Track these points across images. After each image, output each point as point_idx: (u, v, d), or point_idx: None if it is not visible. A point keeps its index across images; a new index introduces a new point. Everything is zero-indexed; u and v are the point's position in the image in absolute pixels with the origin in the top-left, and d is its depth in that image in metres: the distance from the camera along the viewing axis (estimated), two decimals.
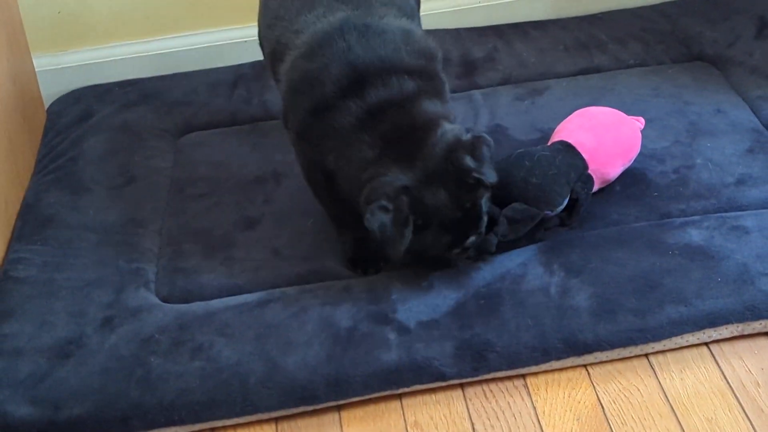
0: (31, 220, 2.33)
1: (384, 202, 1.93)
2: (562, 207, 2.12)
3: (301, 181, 2.20)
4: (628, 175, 2.26)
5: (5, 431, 1.87)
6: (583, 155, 2.16)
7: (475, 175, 1.96)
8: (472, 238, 2.01)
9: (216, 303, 2.07)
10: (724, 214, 2.15)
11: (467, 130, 2.02)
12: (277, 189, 2.36)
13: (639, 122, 2.28)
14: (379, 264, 2.12)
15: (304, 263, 2.15)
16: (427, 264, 2.07)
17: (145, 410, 1.88)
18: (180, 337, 1.99)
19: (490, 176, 1.98)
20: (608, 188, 2.24)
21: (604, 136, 2.20)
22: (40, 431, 1.86)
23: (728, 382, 1.88)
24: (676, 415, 1.83)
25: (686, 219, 2.15)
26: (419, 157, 1.96)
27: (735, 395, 1.86)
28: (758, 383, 1.87)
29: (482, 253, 2.07)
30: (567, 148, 2.16)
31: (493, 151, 2.00)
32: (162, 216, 2.33)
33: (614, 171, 2.21)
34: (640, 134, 2.27)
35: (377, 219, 1.92)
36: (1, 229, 2.26)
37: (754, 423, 1.80)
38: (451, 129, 2.01)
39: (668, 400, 1.86)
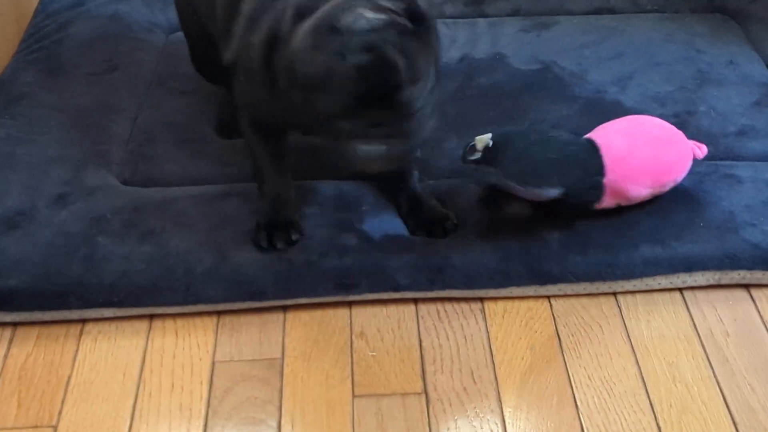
0: (2, 95, 2.25)
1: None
2: (545, 195, 1.87)
3: None
4: (626, 113, 2.12)
5: None
6: (605, 160, 1.85)
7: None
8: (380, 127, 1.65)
9: (175, 190, 1.99)
10: (718, 162, 2.04)
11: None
12: None
13: (700, 150, 1.95)
14: (296, 225, 1.87)
15: None
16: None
17: (84, 288, 1.80)
18: (132, 220, 1.91)
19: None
20: (602, 123, 2.13)
21: (641, 149, 1.88)
22: None
23: (696, 330, 1.78)
24: (635, 355, 1.74)
25: None
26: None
27: (701, 342, 1.76)
28: (728, 333, 1.77)
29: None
30: (589, 144, 1.88)
31: (438, 46, 1.70)
32: (138, 106, 2.24)
33: (637, 191, 1.87)
34: (690, 162, 1.93)
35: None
36: None
37: (716, 371, 1.70)
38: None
39: (630, 340, 1.76)
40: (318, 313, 1.81)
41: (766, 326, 1.78)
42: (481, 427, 1.61)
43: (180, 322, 1.81)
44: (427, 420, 1.63)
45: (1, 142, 2.10)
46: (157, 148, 2.11)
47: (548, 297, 1.84)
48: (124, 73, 2.34)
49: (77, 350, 1.76)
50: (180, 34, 2.49)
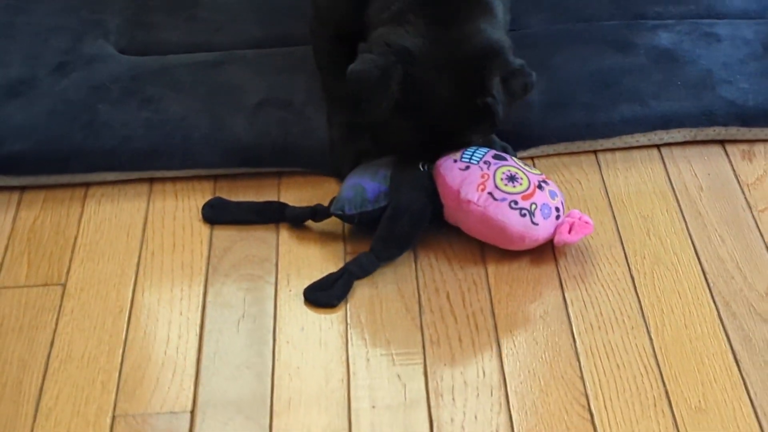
0: None
1: (379, 59, 1.68)
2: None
3: None
4: None
5: None
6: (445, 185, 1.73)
7: (491, 102, 1.68)
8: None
9: (172, 58, 2.05)
10: (698, 20, 2.10)
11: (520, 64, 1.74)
12: None
13: (566, 237, 1.71)
14: (367, 160, 1.82)
15: (266, 27, 2.12)
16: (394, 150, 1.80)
17: (86, 153, 1.89)
18: (131, 88, 1.98)
19: (502, 117, 1.70)
20: None
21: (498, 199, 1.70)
22: None
23: (672, 184, 1.87)
24: (612, 209, 1.82)
25: (660, 22, 2.10)
26: (452, 31, 1.71)
27: (676, 197, 1.84)
28: (701, 187, 1.86)
29: None
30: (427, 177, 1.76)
31: (532, 98, 1.78)
32: None
33: (461, 218, 1.74)
34: (536, 239, 1.72)
35: (361, 70, 1.68)
36: None
37: (689, 224, 1.79)
38: (500, 35, 1.74)
39: (608, 195, 1.85)
40: (312, 177, 1.90)
41: (738, 180, 1.87)
42: (464, 275, 1.71)
43: (179, 185, 1.89)
44: (414, 274, 1.72)
45: (1, 12, 2.16)
46: (151, 16, 2.17)
47: (531, 158, 1.92)
48: None
49: (82, 212, 1.85)
50: None
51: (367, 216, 1.72)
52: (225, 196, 1.87)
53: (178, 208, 1.86)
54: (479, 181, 1.69)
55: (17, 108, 1.95)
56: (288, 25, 2.11)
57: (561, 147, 1.92)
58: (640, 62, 2.00)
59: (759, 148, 1.92)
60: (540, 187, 1.71)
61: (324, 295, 1.68)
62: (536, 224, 1.70)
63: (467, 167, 1.71)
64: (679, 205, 1.83)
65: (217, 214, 1.81)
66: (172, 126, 1.91)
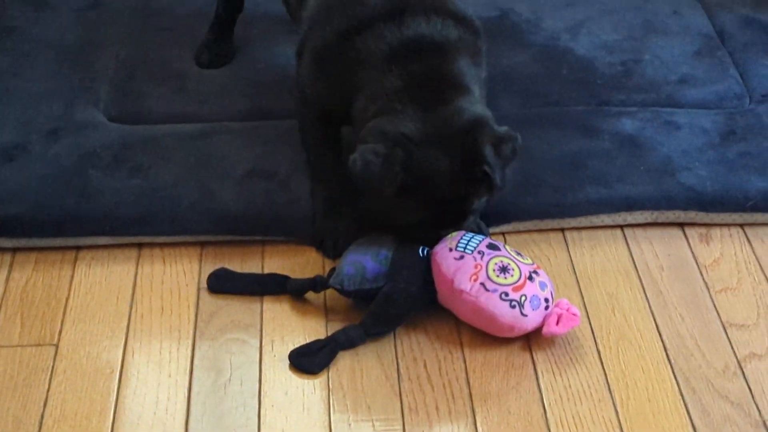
0: None
1: (378, 146, 1.76)
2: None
3: (264, 26, 2.27)
4: (576, 60, 2.34)
5: None
6: (440, 276, 1.82)
7: (487, 169, 1.77)
8: (448, 231, 1.86)
9: (161, 128, 2.14)
10: (660, 109, 2.23)
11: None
12: (242, 33, 2.41)
13: (553, 329, 1.79)
14: (347, 234, 1.92)
15: (251, 100, 2.22)
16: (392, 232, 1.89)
17: (78, 217, 1.96)
18: (121, 155, 2.07)
19: (500, 181, 1.79)
20: (554, 70, 2.31)
21: (490, 291, 1.78)
22: None
23: (634, 264, 1.98)
24: (579, 286, 1.93)
25: (623, 109, 2.23)
26: (439, 112, 1.81)
27: (638, 275, 1.95)
28: (662, 267, 1.97)
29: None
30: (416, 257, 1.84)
31: (518, 159, 1.85)
32: (121, 42, 2.38)
33: (454, 304, 1.82)
34: (527, 327, 1.80)
35: (364, 159, 1.76)
36: None
37: (651, 302, 1.90)
38: (482, 109, 1.85)
39: (575, 273, 1.96)
40: (294, 246, 1.99)
41: (696, 261, 1.98)
42: (440, 345, 1.80)
43: (167, 250, 1.97)
44: (393, 342, 1.81)
45: None
46: (140, 85, 2.26)
47: (503, 233, 2.03)
48: (106, 9, 2.47)
49: (73, 275, 1.93)
50: None
51: (364, 293, 1.81)
52: (211, 261, 1.95)
53: (166, 273, 1.93)
54: (472, 271, 1.79)
55: (11, 172, 2.02)
56: (273, 99, 2.21)
57: (531, 224, 2.03)
58: (605, 147, 2.13)
59: (716, 231, 2.04)
60: (530, 278, 1.81)
61: (307, 361, 1.77)
62: (525, 315, 1.79)
63: (462, 257, 1.81)
64: (642, 284, 1.94)
65: (221, 285, 1.89)
66: (162, 194, 1.99)
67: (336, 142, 1.99)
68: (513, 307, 1.78)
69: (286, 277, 1.88)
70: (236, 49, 2.35)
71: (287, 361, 1.77)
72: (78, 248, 1.97)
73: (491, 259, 1.81)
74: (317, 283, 1.85)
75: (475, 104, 1.87)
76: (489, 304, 1.78)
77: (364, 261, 1.82)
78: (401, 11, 1.89)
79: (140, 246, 1.98)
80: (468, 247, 1.82)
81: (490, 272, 1.79)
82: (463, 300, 1.79)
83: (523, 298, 1.78)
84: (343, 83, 1.91)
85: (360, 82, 1.88)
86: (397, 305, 1.79)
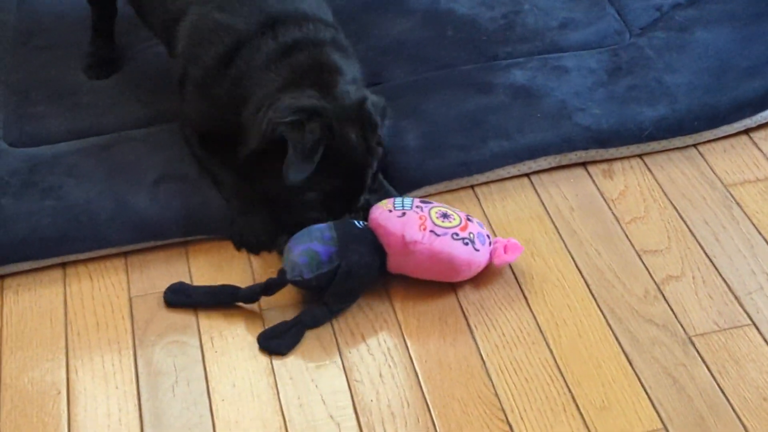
0: None
1: (298, 117, 1.86)
2: None
3: (146, 29, 2.28)
4: (459, 20, 2.40)
5: None
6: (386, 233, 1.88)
7: (380, 132, 1.94)
8: (365, 197, 1.96)
9: (64, 146, 2.15)
10: (546, 56, 2.30)
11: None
12: (121, 39, 2.42)
13: (504, 257, 1.90)
14: (265, 228, 1.99)
15: (148, 106, 2.24)
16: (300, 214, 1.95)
17: None
18: (30, 179, 2.07)
19: (388, 141, 1.98)
20: (440, 32, 2.37)
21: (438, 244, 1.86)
22: None
23: (545, 208, 2.05)
24: (496, 236, 2.00)
25: (512, 61, 2.29)
26: (331, 92, 1.92)
27: (551, 219, 2.03)
28: (572, 207, 2.05)
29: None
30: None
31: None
32: (7, 67, 2.37)
33: (408, 261, 1.88)
34: (473, 268, 1.89)
35: (282, 113, 1.87)
36: None
37: (566, 242, 1.98)
38: (360, 84, 1.99)
39: (491, 225, 2.02)
40: (217, 242, 2.02)
41: (603, 197, 2.07)
42: (375, 315, 1.86)
43: (92, 266, 1.99)
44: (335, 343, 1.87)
45: None
46: (35, 107, 2.26)
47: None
48: None
49: (2, 304, 1.93)
50: None
51: (323, 277, 1.85)
52: (138, 270, 1.97)
53: (95, 288, 1.95)
54: (419, 222, 1.86)
55: None
56: (168, 102, 2.22)
57: (441, 186, 2.09)
58: (501, 100, 2.19)
59: (617, 165, 2.13)
60: (470, 219, 1.90)
61: (276, 343, 1.82)
62: (478, 251, 1.87)
63: (403, 213, 1.87)
64: (556, 226, 2.01)
65: (178, 299, 1.91)
66: (77, 211, 2.01)
67: (223, 149, 2.04)
68: (466, 244, 1.86)
69: (236, 288, 1.90)
70: (122, 55, 2.36)
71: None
72: (2, 277, 1.97)
73: (431, 209, 1.89)
74: (270, 286, 1.88)
75: (356, 84, 1.98)
76: (444, 246, 1.85)
77: (314, 246, 1.86)
78: (272, 26, 1.99)
79: (64, 265, 1.99)
80: (404, 205, 1.89)
81: (435, 219, 1.87)
82: (418, 251, 1.85)
83: (471, 235, 1.87)
84: (229, 100, 1.99)
85: (246, 93, 1.97)
86: (357, 278, 1.85)
